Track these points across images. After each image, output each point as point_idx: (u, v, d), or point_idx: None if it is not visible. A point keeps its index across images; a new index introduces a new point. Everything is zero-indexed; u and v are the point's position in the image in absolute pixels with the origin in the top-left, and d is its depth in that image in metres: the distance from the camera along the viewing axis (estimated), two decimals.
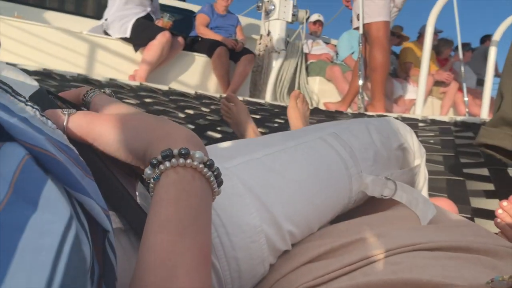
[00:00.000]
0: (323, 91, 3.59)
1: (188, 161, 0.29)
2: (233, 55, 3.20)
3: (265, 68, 3.36)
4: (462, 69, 3.33)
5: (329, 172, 0.55)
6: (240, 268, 0.43)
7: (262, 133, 1.39)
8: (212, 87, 3.10)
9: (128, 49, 2.91)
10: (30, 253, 0.18)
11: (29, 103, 0.29)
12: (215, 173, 0.31)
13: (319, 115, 2.01)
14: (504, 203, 0.75)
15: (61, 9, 3.57)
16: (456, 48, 4.07)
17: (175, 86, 2.49)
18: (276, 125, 1.66)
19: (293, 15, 3.31)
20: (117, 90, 1.88)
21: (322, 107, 2.99)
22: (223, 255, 0.42)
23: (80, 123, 0.32)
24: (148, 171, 0.30)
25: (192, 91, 2.26)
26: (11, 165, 0.23)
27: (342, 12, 4.03)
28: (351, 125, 0.65)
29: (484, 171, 1.16)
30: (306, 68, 3.67)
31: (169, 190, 0.29)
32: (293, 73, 3.47)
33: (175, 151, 0.29)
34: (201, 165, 0.30)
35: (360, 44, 2.54)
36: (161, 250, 0.26)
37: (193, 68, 3.15)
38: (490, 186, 1.08)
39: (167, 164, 0.29)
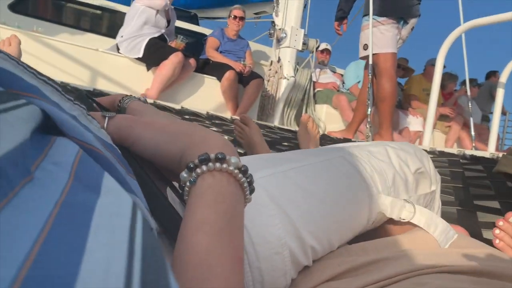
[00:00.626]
0: (329, 119, 3.62)
1: (224, 165, 0.30)
2: (242, 79, 3.26)
3: (273, 94, 3.41)
4: (470, 104, 3.36)
5: (351, 191, 0.56)
6: (263, 279, 0.43)
7: None
8: (221, 109, 3.14)
9: (140, 68, 2.97)
10: (104, 232, 0.18)
11: (76, 102, 0.30)
12: (248, 180, 0.32)
13: (327, 142, 2.02)
14: (500, 222, 0.74)
15: (77, 26, 3.67)
16: (463, 82, 4.13)
17: (185, 105, 2.52)
18: (286, 148, 1.67)
19: (304, 43, 3.39)
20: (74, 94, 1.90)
21: (326, 134, 3.01)
22: (247, 264, 0.42)
23: (119, 126, 0.33)
24: (184, 174, 0.30)
25: (203, 111, 2.29)
26: (69, 156, 0.23)
27: (348, 41, 4.11)
28: (371, 147, 0.66)
29: (495, 204, 1.16)
30: (314, 96, 3.72)
31: (206, 193, 0.29)
32: (301, 99, 3.52)
33: (212, 156, 0.30)
34: (236, 170, 0.30)
35: (370, 74, 2.59)
36: (198, 250, 0.27)
37: (203, 89, 3.20)
38: None
39: (204, 168, 0.30)
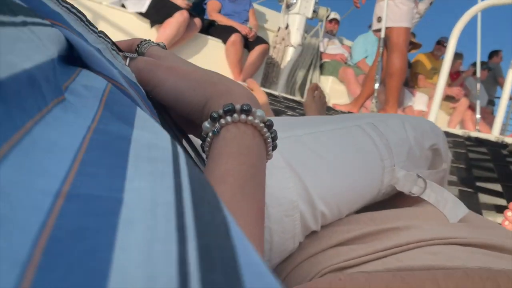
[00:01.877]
0: (334, 92, 3.57)
1: (250, 118, 0.28)
2: (247, 43, 3.18)
3: (279, 62, 3.34)
4: (478, 86, 3.31)
5: (365, 161, 0.54)
6: (272, 240, 0.43)
7: None
8: (224, 73, 3.07)
9: (143, 25, 2.88)
10: (145, 162, 0.16)
11: (101, 35, 0.28)
12: (272, 135, 0.30)
13: (332, 114, 2.00)
14: (509, 213, 0.75)
15: None
16: (473, 64, 4.06)
17: None
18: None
19: (314, 11, 3.29)
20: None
21: (330, 106, 2.98)
22: None
23: (141, 68, 0.31)
24: (207, 124, 0.29)
25: None
26: (100, 83, 0.21)
27: (357, 12, 4.00)
28: (388, 119, 0.64)
29: (497, 187, 1.15)
30: (320, 67, 3.65)
31: (230, 144, 0.28)
32: (307, 69, 3.46)
33: (237, 107, 0.28)
34: (261, 124, 0.29)
35: (380, 48, 2.52)
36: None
37: (207, 51, 3.12)
38: (502, 202, 1.08)
39: (229, 118, 0.28)
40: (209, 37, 3.13)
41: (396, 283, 0.31)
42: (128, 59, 0.32)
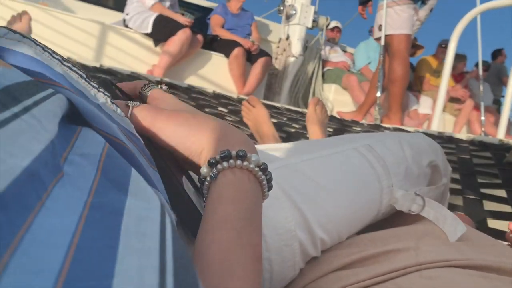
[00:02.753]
0: (338, 100, 3.59)
1: (245, 163, 0.30)
2: (250, 56, 3.21)
3: (281, 72, 3.37)
4: (481, 88, 3.30)
5: (362, 184, 0.56)
6: (272, 269, 0.44)
7: (280, 138, 1.40)
8: (228, 87, 3.12)
9: (147, 43, 2.94)
10: (135, 238, 0.17)
11: (101, 90, 0.30)
12: (267, 177, 0.32)
13: (335, 124, 2.01)
14: None
15: None
16: (475, 65, 4.05)
17: (191, 82, 2.51)
18: (292, 130, 1.66)
19: (314, 21, 3.32)
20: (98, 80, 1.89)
21: (335, 115, 2.99)
22: None
23: (143, 116, 0.33)
24: (205, 169, 0.31)
25: (209, 90, 2.27)
26: (96, 148, 0.23)
27: (359, 19, 4.02)
28: (385, 139, 0.66)
29: (502, 193, 1.15)
30: (323, 75, 3.67)
31: (227, 190, 0.29)
32: (309, 79, 3.48)
33: (233, 153, 0.30)
34: (256, 168, 0.31)
35: (381, 56, 2.54)
36: (219, 248, 0.27)
37: (210, 67, 3.16)
38: (507, 208, 1.08)
39: (225, 164, 0.30)
40: (212, 52, 3.17)
41: None
42: (130, 107, 0.33)
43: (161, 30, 2.86)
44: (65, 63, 0.28)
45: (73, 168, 0.20)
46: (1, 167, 0.15)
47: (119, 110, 0.31)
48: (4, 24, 2.20)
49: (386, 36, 2.53)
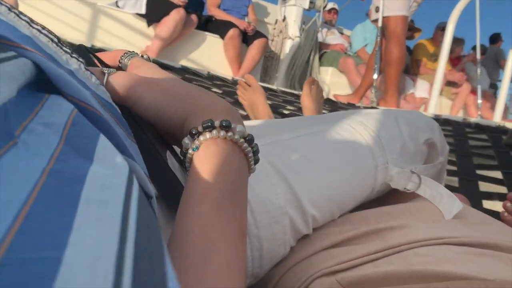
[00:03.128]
0: (334, 82, 3.55)
1: (229, 134, 0.28)
2: (246, 38, 3.16)
3: (277, 54, 3.32)
4: (479, 71, 3.28)
5: (356, 161, 0.54)
6: (262, 247, 0.43)
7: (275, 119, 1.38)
8: (223, 69, 3.07)
9: (141, 24, 2.87)
10: (95, 207, 0.16)
11: (74, 55, 0.28)
12: (253, 149, 0.30)
13: (331, 106, 1.99)
14: (508, 204, 0.74)
15: None
16: (472, 48, 4.01)
17: (185, 64, 2.46)
18: (287, 112, 1.64)
19: (311, 2, 3.26)
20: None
21: (332, 98, 2.96)
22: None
23: (120, 83, 0.31)
24: (186, 140, 0.29)
25: (204, 71, 2.23)
26: (61, 117, 0.21)
27: (356, 1, 3.95)
28: (380, 116, 0.64)
29: (498, 174, 1.15)
30: (320, 58, 3.62)
31: (209, 162, 0.28)
32: (306, 61, 3.43)
33: (217, 123, 0.28)
34: (241, 140, 0.29)
35: (378, 37, 2.50)
36: (201, 222, 0.26)
37: (204, 48, 3.11)
38: (503, 189, 1.07)
39: (208, 135, 0.28)
40: (207, 33, 3.11)
41: None
42: (106, 74, 0.31)
43: (155, 11, 2.79)
44: (34, 25, 0.26)
45: (33, 137, 0.19)
46: None
47: (94, 78, 0.28)
48: None
49: (383, 18, 2.48)
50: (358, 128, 0.58)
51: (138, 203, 0.18)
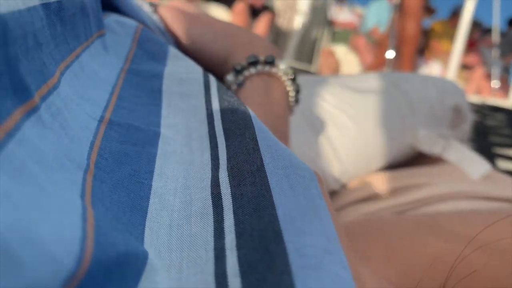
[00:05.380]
0: (345, 61, 3.49)
1: (274, 69, 0.28)
2: (254, 11, 3.09)
3: (286, 30, 3.25)
4: (493, 54, 3.20)
5: (386, 120, 0.52)
6: None
7: None
8: None
9: None
10: (178, 99, 0.16)
11: None
12: (296, 88, 0.30)
13: None
14: None
15: None
16: (486, 31, 3.92)
17: None
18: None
19: None
20: None
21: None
22: None
23: (168, 15, 0.31)
24: (230, 77, 0.29)
25: None
26: (130, 25, 0.22)
27: None
28: (411, 77, 0.61)
29: None
30: (330, 35, 3.55)
31: (255, 94, 0.27)
32: (316, 38, 3.36)
33: (261, 58, 0.28)
34: (284, 77, 0.28)
35: (393, 14, 2.43)
36: None
37: None
38: None
39: (253, 70, 0.28)
40: (213, 3, 3.04)
41: (425, 219, 0.30)
42: (154, 6, 0.32)
43: None
44: None
45: (110, 33, 0.19)
46: None
47: (146, 6, 0.29)
48: None
49: None
50: (390, 87, 0.56)
51: (218, 88, 0.18)
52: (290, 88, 0.29)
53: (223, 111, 0.16)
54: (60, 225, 0.08)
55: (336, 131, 0.46)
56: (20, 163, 0.08)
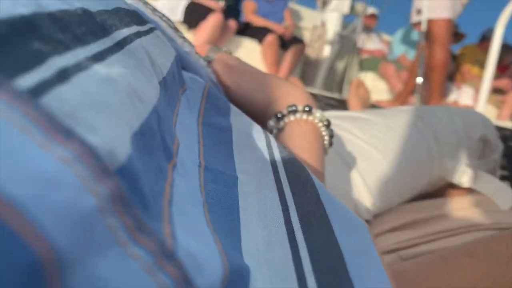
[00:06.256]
0: (375, 88, 3.50)
1: (311, 118, 0.32)
2: (284, 42, 3.18)
3: (316, 60, 3.32)
4: None
5: (414, 153, 0.55)
6: None
7: None
8: None
9: (180, 29, 2.96)
10: (247, 150, 0.19)
11: (186, 40, 0.32)
12: (330, 133, 0.34)
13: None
14: None
15: None
16: None
17: None
18: None
19: (351, 7, 3.24)
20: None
21: (373, 104, 2.92)
22: None
23: (218, 69, 0.36)
24: (271, 122, 0.33)
25: None
26: (200, 82, 0.25)
27: (396, 4, 3.88)
28: (436, 110, 0.64)
29: None
30: (358, 63, 3.59)
31: (297, 140, 0.31)
32: (345, 67, 3.41)
33: (300, 107, 0.32)
34: (320, 123, 0.32)
35: (421, 42, 2.45)
36: None
37: (243, 53, 3.16)
38: None
39: (292, 117, 0.32)
40: (245, 38, 3.16)
41: (436, 259, 0.33)
42: (208, 61, 0.37)
43: (192, 16, 2.86)
44: (156, 12, 0.31)
45: (187, 91, 0.23)
46: (161, 68, 0.18)
47: (201, 60, 0.34)
48: None
49: (425, 21, 2.43)
50: (415, 120, 0.59)
51: (278, 146, 0.21)
52: (325, 133, 0.33)
53: (284, 161, 0.19)
54: (210, 247, 0.13)
55: (366, 165, 0.49)
56: (181, 206, 0.13)
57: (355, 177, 0.48)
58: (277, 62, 3.17)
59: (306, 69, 3.37)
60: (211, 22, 2.79)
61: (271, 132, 0.33)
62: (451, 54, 3.93)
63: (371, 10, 3.88)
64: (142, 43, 0.17)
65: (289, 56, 3.16)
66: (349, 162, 0.48)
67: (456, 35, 3.88)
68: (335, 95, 2.54)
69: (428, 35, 2.45)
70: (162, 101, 0.15)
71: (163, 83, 0.17)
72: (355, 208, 0.47)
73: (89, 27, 0.13)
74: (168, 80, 0.18)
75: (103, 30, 0.14)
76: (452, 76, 3.91)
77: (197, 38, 2.83)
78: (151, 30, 0.22)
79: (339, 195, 0.45)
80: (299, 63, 3.35)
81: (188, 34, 2.96)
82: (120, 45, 0.14)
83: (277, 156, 0.20)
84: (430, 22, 2.42)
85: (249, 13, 3.29)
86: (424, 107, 0.65)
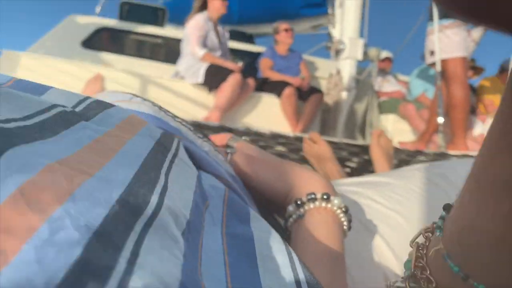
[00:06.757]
0: (396, 129, 3.48)
1: (329, 205, 0.34)
2: (301, 94, 3.26)
3: (334, 107, 3.37)
4: None
5: (437, 212, 0.55)
6: None
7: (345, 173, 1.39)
8: (281, 126, 3.16)
9: (200, 94, 3.09)
10: (269, 262, 0.21)
11: (205, 140, 0.35)
12: (348, 218, 0.35)
13: (399, 155, 1.95)
14: None
15: (139, 55, 3.92)
16: None
17: (247, 125, 2.58)
18: (354, 165, 1.64)
19: (364, 53, 3.32)
20: (199, 130, 1.99)
21: (397, 146, 2.89)
22: None
23: (240, 161, 0.38)
24: (291, 208, 0.34)
25: (267, 131, 2.32)
26: (220, 188, 0.27)
27: (410, 45, 3.95)
28: (457, 166, 0.64)
29: None
30: (378, 106, 3.61)
31: (317, 228, 0.32)
32: (364, 111, 3.43)
33: (319, 195, 0.34)
34: (338, 210, 0.34)
35: (437, 81, 2.46)
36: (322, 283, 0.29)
37: (263, 108, 3.25)
38: None
39: (311, 205, 0.33)
40: (263, 93, 3.27)
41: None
42: (229, 154, 0.39)
43: (213, 78, 3.00)
44: (176, 119, 0.34)
45: (210, 200, 0.24)
46: (184, 211, 0.19)
47: (220, 156, 0.36)
48: (81, 84, 2.47)
49: (440, 61, 2.46)
50: (438, 180, 0.59)
51: (299, 260, 0.22)
52: (343, 219, 0.34)
53: (308, 284, 0.20)
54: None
55: (390, 230, 0.49)
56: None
57: (380, 243, 0.48)
58: (297, 114, 3.24)
59: (326, 118, 3.42)
60: (231, 83, 2.92)
61: (289, 217, 0.34)
62: (470, 88, 3.91)
63: (384, 53, 3.97)
64: (167, 205, 0.18)
65: (308, 107, 3.23)
66: (372, 229, 0.48)
67: (475, 70, 3.88)
68: (358, 141, 2.54)
69: (444, 75, 2.47)
70: (187, 260, 0.17)
71: (186, 231, 0.18)
72: (385, 275, 0.46)
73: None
74: (191, 221, 0.19)
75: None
76: (474, 109, 3.85)
77: (219, 98, 2.95)
78: (175, 155, 0.24)
79: (365, 262, 0.45)
80: (319, 112, 3.40)
81: (210, 95, 3.09)
82: (149, 224, 0.16)
83: (301, 276, 0.21)
84: (444, 61, 2.44)
85: (266, 70, 3.43)
86: (443, 163, 0.65)
